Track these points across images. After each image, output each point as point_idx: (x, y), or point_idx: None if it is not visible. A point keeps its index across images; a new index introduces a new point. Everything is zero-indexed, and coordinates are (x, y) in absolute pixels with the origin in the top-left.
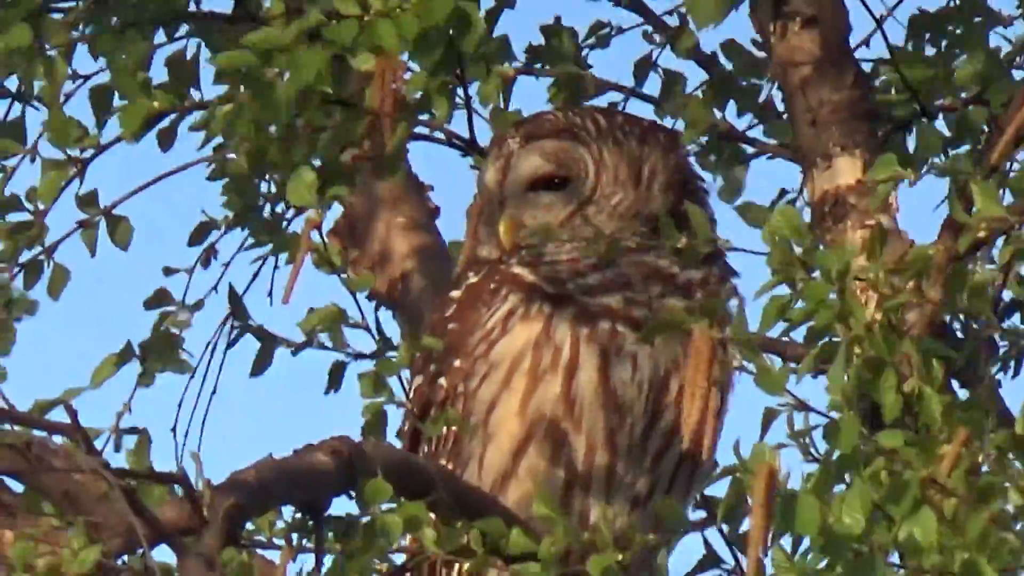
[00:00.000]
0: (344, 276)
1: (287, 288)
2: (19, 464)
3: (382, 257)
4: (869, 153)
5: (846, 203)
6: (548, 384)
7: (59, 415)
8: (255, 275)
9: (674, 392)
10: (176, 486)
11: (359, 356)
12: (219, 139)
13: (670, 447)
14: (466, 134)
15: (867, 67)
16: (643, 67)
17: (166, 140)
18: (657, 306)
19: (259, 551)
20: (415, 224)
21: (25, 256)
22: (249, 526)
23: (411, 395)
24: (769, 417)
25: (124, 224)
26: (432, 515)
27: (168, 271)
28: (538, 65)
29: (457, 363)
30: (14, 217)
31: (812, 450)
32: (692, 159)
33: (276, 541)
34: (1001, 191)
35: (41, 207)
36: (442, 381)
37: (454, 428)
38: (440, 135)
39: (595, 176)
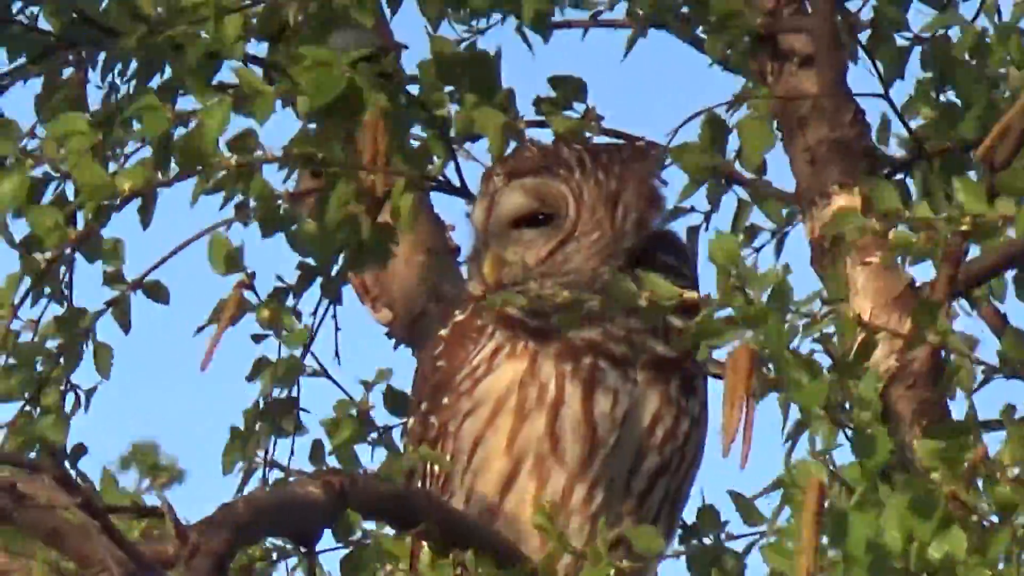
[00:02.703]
0: (284, 332)
1: (206, 355)
2: (3, 502)
3: (401, 294)
4: (868, 191)
5: (845, 240)
6: (533, 422)
7: None
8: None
9: (659, 437)
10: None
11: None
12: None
13: (653, 489)
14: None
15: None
16: None
17: (145, 216)
18: (637, 340)
19: None
20: (435, 262)
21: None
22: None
23: (407, 434)
24: (799, 428)
25: (160, 287)
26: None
27: None
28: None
29: (446, 400)
30: None
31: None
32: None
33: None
34: None
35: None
36: (433, 419)
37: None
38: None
39: (575, 212)
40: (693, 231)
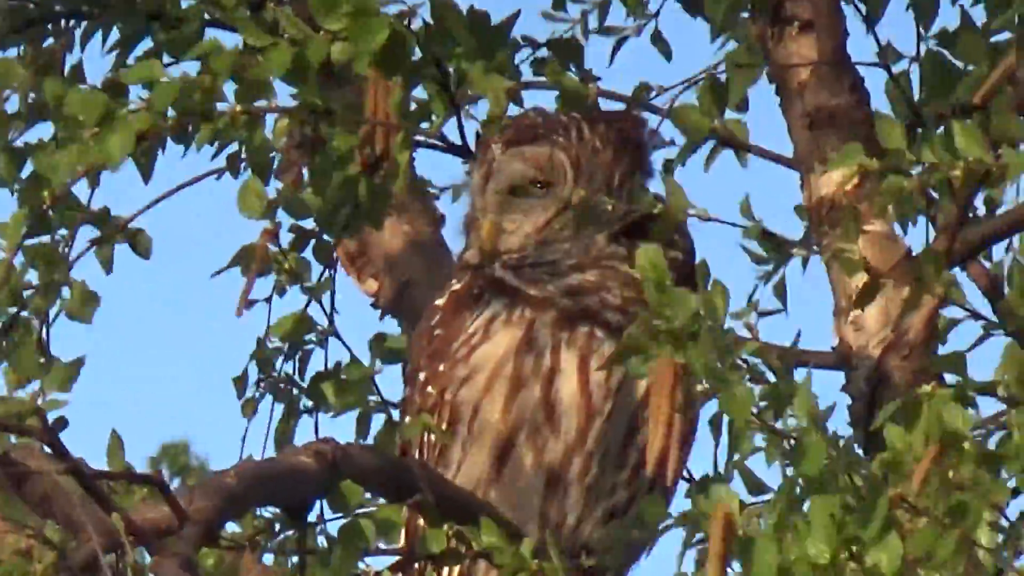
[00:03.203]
0: (307, 286)
1: (240, 301)
2: None
3: (387, 264)
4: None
5: (842, 208)
6: (529, 390)
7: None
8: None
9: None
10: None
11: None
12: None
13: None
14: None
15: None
16: None
17: (147, 164)
18: (633, 310)
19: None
20: (420, 231)
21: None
22: (236, 528)
23: (405, 403)
24: (736, 438)
25: (143, 235)
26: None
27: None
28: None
29: (442, 368)
30: None
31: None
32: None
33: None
34: None
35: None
36: (431, 388)
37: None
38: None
39: (573, 181)
40: (668, 164)
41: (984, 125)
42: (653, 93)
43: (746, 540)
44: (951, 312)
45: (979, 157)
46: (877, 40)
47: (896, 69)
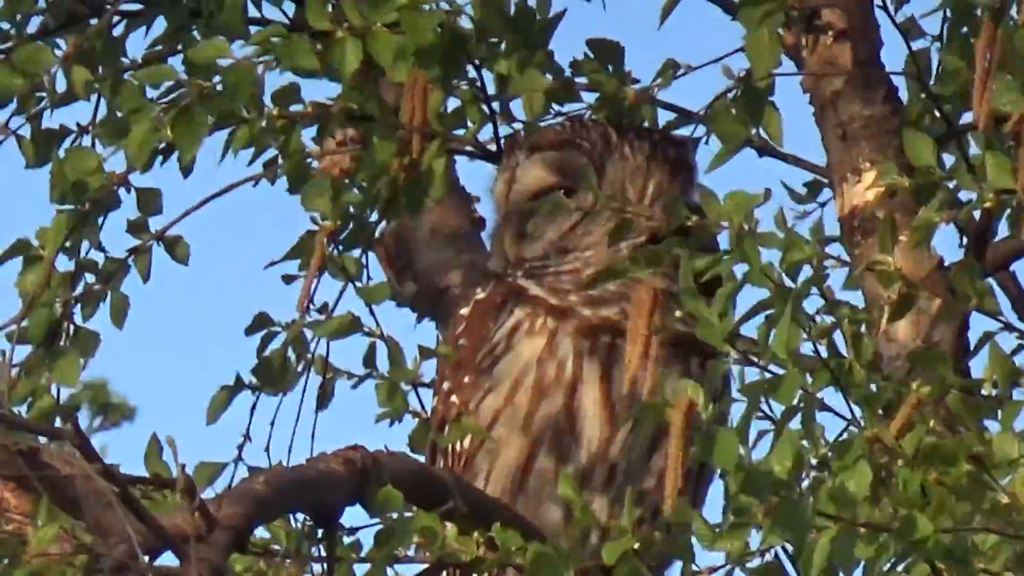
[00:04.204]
0: (358, 285)
1: (300, 297)
2: (22, 470)
3: (425, 267)
4: (899, 168)
5: (875, 217)
6: (552, 399)
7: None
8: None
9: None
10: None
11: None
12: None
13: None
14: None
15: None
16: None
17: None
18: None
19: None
20: (459, 234)
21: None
22: (265, 534)
23: (431, 413)
24: (713, 371)
25: (181, 242)
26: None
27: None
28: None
29: (467, 379)
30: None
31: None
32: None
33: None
34: None
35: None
36: (455, 398)
37: (466, 446)
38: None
39: (596, 187)
40: (693, 143)
41: (1017, 136)
42: (680, 71)
43: (708, 432)
44: (986, 324)
45: (1009, 187)
46: (911, 51)
47: (918, 46)
